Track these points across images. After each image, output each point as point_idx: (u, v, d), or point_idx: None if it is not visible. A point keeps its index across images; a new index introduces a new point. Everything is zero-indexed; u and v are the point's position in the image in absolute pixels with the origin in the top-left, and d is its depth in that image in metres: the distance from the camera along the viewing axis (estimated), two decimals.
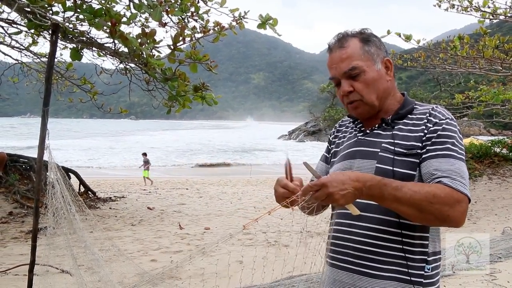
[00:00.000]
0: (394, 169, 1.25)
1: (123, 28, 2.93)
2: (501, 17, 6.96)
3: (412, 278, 1.23)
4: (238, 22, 3.73)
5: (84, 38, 3.59)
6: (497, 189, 9.60)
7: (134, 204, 10.08)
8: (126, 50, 3.04)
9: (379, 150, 1.31)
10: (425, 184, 1.20)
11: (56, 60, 5.05)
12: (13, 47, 5.62)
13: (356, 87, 1.32)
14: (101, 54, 4.32)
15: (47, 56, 3.84)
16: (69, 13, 2.96)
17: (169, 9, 3.15)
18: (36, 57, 5.91)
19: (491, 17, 6.72)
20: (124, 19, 3.05)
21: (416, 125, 1.30)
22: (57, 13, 3.03)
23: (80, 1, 3.00)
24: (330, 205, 1.29)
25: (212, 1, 3.82)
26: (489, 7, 6.63)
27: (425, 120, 1.29)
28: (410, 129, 1.30)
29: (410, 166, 1.25)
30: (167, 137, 57.80)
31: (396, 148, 1.28)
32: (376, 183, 1.14)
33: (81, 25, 3.56)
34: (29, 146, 28.45)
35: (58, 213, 2.88)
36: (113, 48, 3.50)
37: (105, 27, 2.87)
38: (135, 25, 4.65)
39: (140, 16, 4.44)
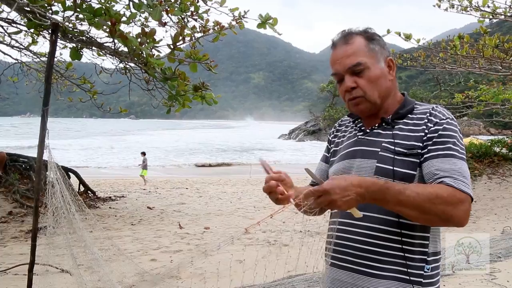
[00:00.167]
0: (395, 168, 1.25)
1: (123, 27, 2.94)
2: (501, 17, 6.95)
3: (411, 278, 1.23)
4: (238, 21, 3.73)
5: (84, 38, 3.59)
6: (496, 189, 9.59)
7: (134, 203, 10.07)
8: (126, 49, 3.04)
9: (379, 149, 1.31)
10: (427, 185, 1.19)
11: (55, 59, 5.05)
12: (12, 47, 5.62)
13: (359, 83, 1.32)
14: (101, 53, 4.32)
15: (46, 56, 3.84)
16: (68, 13, 2.96)
17: (168, 9, 3.15)
18: (35, 57, 5.91)
19: (490, 16, 6.72)
20: (124, 19, 3.05)
21: (417, 125, 1.30)
22: (56, 12, 3.03)
23: (79, 1, 3.00)
24: None
25: (212, 1, 3.82)
26: (488, 7, 6.62)
27: (426, 120, 1.29)
28: (411, 129, 1.30)
29: (410, 166, 1.25)
30: (167, 137, 57.79)
31: (396, 148, 1.28)
32: (379, 188, 1.14)
33: (81, 24, 3.55)
34: (29, 145, 28.47)
35: (57, 213, 2.88)
36: (112, 47, 3.50)
37: (104, 27, 2.87)
38: (135, 24, 4.65)
39: (140, 15, 4.45)
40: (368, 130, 1.39)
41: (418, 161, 1.25)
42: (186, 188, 13.40)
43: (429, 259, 1.26)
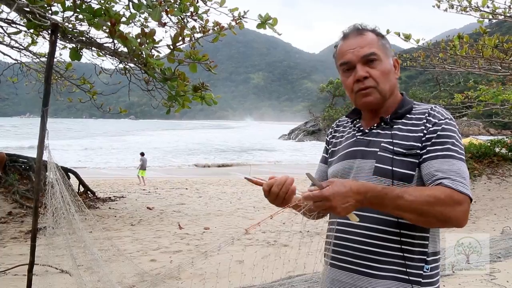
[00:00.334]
0: (394, 168, 1.25)
1: (123, 28, 2.94)
2: (500, 17, 6.96)
3: (411, 278, 1.23)
4: (237, 22, 3.73)
5: (84, 38, 3.59)
6: (496, 189, 9.60)
7: (134, 204, 10.07)
8: (125, 50, 3.04)
9: (378, 149, 1.31)
10: (425, 188, 1.20)
11: (55, 60, 5.05)
12: (12, 47, 5.62)
13: (372, 73, 1.32)
14: (101, 54, 4.32)
15: (46, 56, 3.84)
16: (68, 13, 2.96)
17: (168, 9, 3.15)
18: (35, 57, 5.91)
19: (490, 16, 6.72)
20: (124, 19, 3.05)
21: (415, 125, 1.30)
22: (56, 13, 3.03)
23: (79, 1, 3.00)
24: None
25: (211, 1, 3.82)
26: (488, 7, 6.62)
27: (424, 120, 1.29)
28: (409, 129, 1.30)
29: (409, 166, 1.25)
30: (167, 137, 57.81)
31: (395, 148, 1.28)
32: (377, 194, 1.15)
33: (81, 25, 3.56)
34: (30, 146, 28.45)
35: (57, 213, 2.88)
36: (112, 48, 3.50)
37: (104, 27, 2.87)
38: (135, 25, 4.64)
39: (140, 16, 4.44)
40: (367, 130, 1.39)
41: (417, 161, 1.25)
42: (186, 189, 13.40)
43: (428, 259, 1.26)
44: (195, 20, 3.90)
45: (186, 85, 3.67)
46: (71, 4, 2.85)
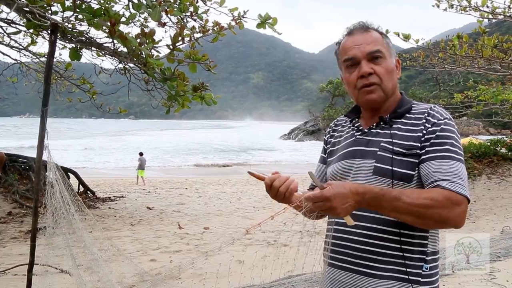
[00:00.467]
0: (393, 168, 1.25)
1: (122, 28, 2.94)
2: (500, 17, 6.95)
3: (410, 277, 1.23)
4: (237, 21, 3.72)
5: (83, 38, 3.59)
6: (496, 189, 9.61)
7: (133, 204, 10.07)
8: (125, 50, 3.04)
9: (378, 149, 1.31)
10: (423, 190, 1.20)
11: (55, 60, 5.05)
12: (12, 47, 5.61)
13: (377, 70, 1.32)
14: (100, 54, 4.32)
15: (46, 56, 3.84)
16: (68, 13, 2.96)
17: (168, 9, 3.15)
18: (35, 57, 5.90)
19: (490, 16, 6.72)
20: (123, 19, 3.05)
21: (415, 125, 1.30)
22: (56, 13, 3.03)
23: (79, 1, 3.00)
24: None
25: (211, 1, 3.81)
26: (487, 7, 6.62)
27: (424, 120, 1.29)
28: (409, 129, 1.30)
29: (409, 166, 1.25)
30: (166, 137, 57.80)
31: (395, 148, 1.28)
32: (374, 195, 1.16)
33: (80, 25, 3.55)
34: (30, 146, 28.42)
35: (57, 213, 2.88)
36: (112, 48, 3.50)
37: (104, 27, 2.87)
38: (134, 25, 4.64)
39: (139, 16, 4.44)
40: (366, 130, 1.39)
41: (416, 161, 1.25)
42: (186, 188, 13.40)
43: (428, 258, 1.26)
44: (194, 20, 3.90)
45: (185, 85, 3.67)
46: (71, 4, 2.85)
